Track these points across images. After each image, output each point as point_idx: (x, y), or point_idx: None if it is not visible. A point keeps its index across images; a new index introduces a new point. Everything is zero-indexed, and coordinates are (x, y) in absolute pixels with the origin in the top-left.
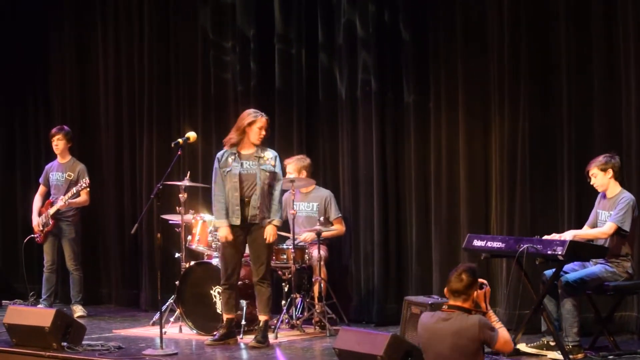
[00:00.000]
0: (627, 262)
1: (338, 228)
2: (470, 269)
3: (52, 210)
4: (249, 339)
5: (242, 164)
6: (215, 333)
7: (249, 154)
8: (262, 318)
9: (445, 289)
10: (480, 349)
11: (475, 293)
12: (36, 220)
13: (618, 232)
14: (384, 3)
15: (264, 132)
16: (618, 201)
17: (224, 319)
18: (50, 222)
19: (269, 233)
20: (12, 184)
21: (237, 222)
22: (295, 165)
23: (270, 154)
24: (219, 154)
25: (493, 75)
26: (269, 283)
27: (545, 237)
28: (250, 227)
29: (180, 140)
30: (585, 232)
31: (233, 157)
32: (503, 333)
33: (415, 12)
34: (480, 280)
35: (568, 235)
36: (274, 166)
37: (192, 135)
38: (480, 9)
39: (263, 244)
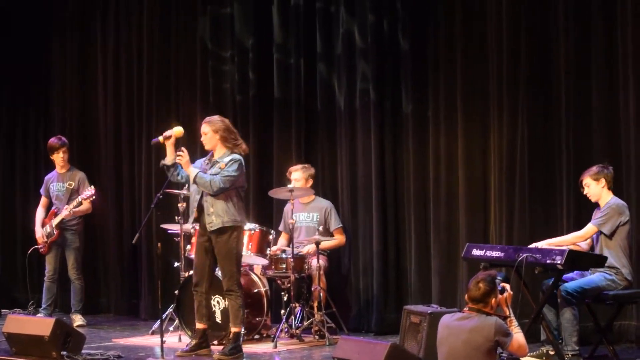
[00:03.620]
0: (626, 270)
1: (339, 238)
2: (488, 277)
3: (56, 220)
4: (248, 348)
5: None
6: (186, 345)
7: (215, 160)
8: (232, 330)
9: (466, 296)
10: (493, 349)
11: (494, 300)
12: (40, 232)
13: (605, 237)
14: (383, 13)
15: (202, 139)
16: (604, 206)
17: (195, 328)
18: (55, 232)
19: None
20: (12, 194)
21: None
22: (302, 173)
23: (227, 159)
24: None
25: (492, 84)
26: (237, 294)
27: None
28: (210, 236)
29: (160, 138)
30: (560, 240)
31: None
32: (518, 338)
33: (414, 22)
34: (503, 284)
35: (541, 244)
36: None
37: (177, 130)
38: (480, 18)
39: (222, 254)
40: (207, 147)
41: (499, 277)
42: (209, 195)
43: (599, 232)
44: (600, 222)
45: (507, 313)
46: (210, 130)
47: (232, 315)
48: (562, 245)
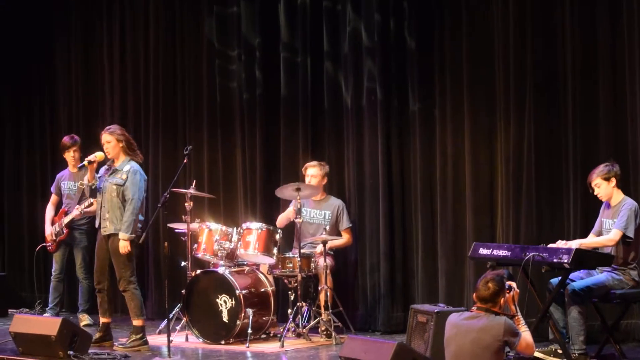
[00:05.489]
0: (634, 270)
1: (346, 238)
2: (497, 277)
3: (66, 220)
4: (255, 347)
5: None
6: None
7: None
8: (135, 323)
9: (474, 295)
10: (501, 349)
11: (503, 300)
12: (49, 230)
13: (623, 239)
14: (390, 11)
15: (105, 147)
16: (621, 208)
17: (100, 322)
18: (64, 231)
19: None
20: (19, 192)
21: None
22: (319, 170)
23: (126, 168)
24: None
25: (499, 83)
26: (134, 288)
27: (551, 245)
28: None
29: (85, 162)
30: (592, 241)
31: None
32: (526, 337)
33: (420, 21)
34: (509, 282)
35: (574, 244)
36: (125, 180)
37: (99, 155)
38: (487, 16)
39: (115, 256)
40: (110, 156)
41: (504, 275)
42: (107, 202)
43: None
44: (624, 225)
45: (514, 311)
46: (113, 139)
47: (130, 308)
48: (594, 246)
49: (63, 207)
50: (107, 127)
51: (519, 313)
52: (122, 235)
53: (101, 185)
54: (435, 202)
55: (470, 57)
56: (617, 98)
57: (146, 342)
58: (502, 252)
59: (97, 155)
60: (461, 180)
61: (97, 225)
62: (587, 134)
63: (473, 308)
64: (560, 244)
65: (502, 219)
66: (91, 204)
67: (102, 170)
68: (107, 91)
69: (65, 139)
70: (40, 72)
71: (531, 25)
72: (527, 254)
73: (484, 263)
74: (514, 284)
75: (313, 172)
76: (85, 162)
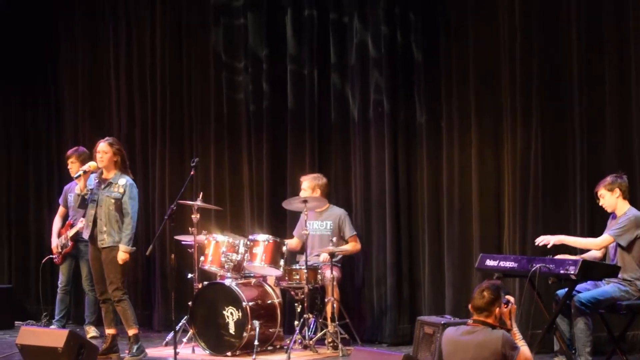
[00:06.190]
0: None
1: (353, 245)
2: (493, 286)
3: (71, 232)
4: (261, 359)
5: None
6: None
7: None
8: (130, 333)
9: (470, 305)
10: None
11: (498, 310)
12: (55, 242)
13: (622, 249)
14: (396, 24)
15: (99, 155)
16: (621, 217)
17: (105, 333)
18: (69, 244)
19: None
20: (25, 205)
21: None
22: (309, 183)
23: (121, 182)
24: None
25: (505, 94)
26: (125, 299)
27: (558, 256)
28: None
29: (81, 172)
30: (575, 240)
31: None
32: (524, 351)
33: (427, 33)
34: (507, 297)
35: (554, 239)
36: (123, 193)
37: (93, 165)
38: (493, 28)
39: (109, 266)
40: (100, 165)
41: (500, 285)
42: (104, 215)
43: (617, 243)
44: (617, 233)
45: (510, 326)
46: (110, 151)
47: (126, 319)
48: (575, 246)
49: (69, 219)
50: (107, 138)
51: (516, 327)
52: (123, 247)
53: (93, 197)
54: (442, 213)
55: (476, 68)
56: (624, 107)
57: (144, 350)
58: (509, 264)
59: (91, 165)
60: (468, 191)
61: (86, 236)
62: (594, 144)
63: (469, 321)
64: (542, 238)
65: (508, 230)
66: None
67: (92, 181)
68: (114, 104)
69: (70, 150)
70: (46, 84)
71: (538, 36)
72: (534, 265)
73: (490, 274)
74: (512, 299)
75: (304, 185)
76: (80, 172)
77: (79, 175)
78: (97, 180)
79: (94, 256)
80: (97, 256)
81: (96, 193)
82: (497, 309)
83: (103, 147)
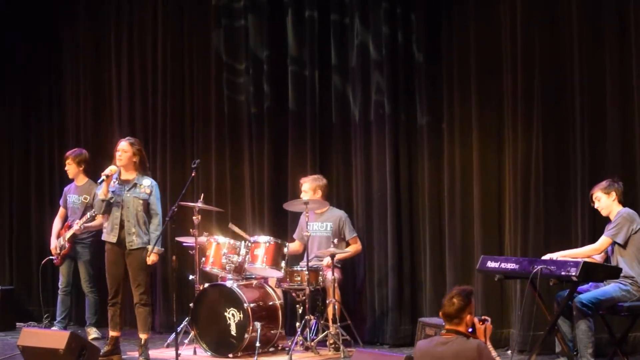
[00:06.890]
0: None
1: (354, 247)
2: (463, 292)
3: (68, 234)
4: None
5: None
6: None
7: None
8: (143, 337)
9: (440, 313)
10: None
11: (469, 317)
12: (54, 243)
13: (619, 247)
14: (397, 24)
15: (118, 154)
16: (614, 217)
17: (109, 335)
18: (67, 245)
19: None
20: (27, 207)
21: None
22: (310, 184)
23: (146, 183)
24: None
25: (507, 96)
26: (148, 304)
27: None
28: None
29: (103, 176)
30: (574, 251)
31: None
32: None
33: (428, 34)
34: (484, 317)
35: (555, 256)
36: (150, 194)
37: (114, 169)
38: (494, 29)
39: (137, 268)
40: (119, 164)
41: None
42: (132, 217)
43: (613, 243)
44: (613, 232)
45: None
46: (131, 150)
47: (144, 323)
48: (577, 257)
49: (68, 220)
50: (128, 137)
51: (490, 346)
52: (156, 249)
53: (117, 199)
54: (443, 215)
55: (478, 70)
56: (625, 112)
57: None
58: (510, 265)
59: (112, 169)
60: (469, 193)
61: (109, 239)
62: (595, 148)
63: (442, 332)
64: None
65: (510, 232)
66: (92, 219)
67: (114, 184)
68: (115, 105)
69: (69, 151)
70: (50, 87)
71: (539, 40)
72: (535, 267)
73: (492, 276)
74: (488, 318)
75: (304, 187)
76: (103, 177)
77: (102, 180)
78: (116, 183)
79: (113, 260)
80: (117, 260)
81: (119, 195)
82: (469, 316)
83: (123, 145)
